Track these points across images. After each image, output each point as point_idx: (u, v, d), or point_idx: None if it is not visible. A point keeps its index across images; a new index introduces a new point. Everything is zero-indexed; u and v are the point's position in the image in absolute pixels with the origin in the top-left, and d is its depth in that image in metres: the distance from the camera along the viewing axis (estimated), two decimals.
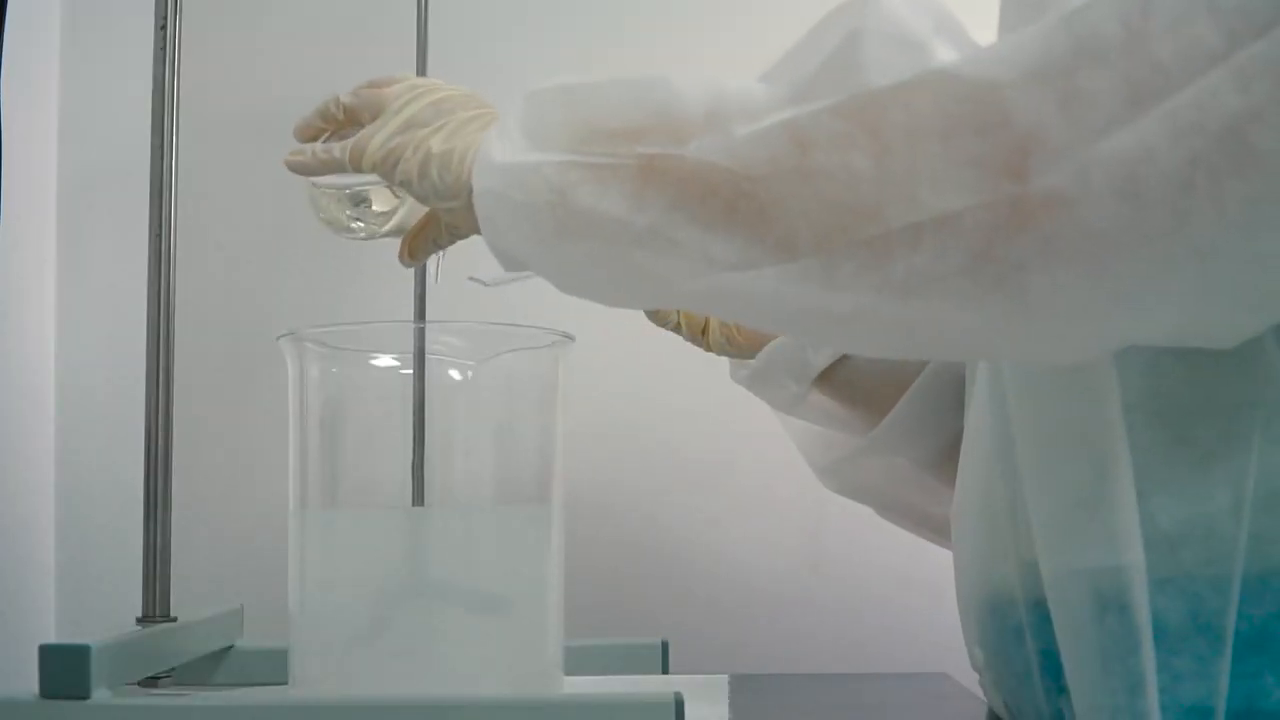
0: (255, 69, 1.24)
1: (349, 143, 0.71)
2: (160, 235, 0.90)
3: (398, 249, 0.77)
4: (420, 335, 0.81)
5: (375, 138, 0.70)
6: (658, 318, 0.95)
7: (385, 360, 0.81)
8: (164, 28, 0.90)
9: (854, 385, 0.94)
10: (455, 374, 0.81)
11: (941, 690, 1.00)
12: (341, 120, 0.74)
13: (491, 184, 0.63)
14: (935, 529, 0.98)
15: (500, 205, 0.62)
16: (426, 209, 0.75)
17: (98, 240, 1.23)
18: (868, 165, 0.52)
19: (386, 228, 0.79)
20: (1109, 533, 0.59)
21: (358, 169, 0.70)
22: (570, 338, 0.82)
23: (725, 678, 0.93)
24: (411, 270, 0.93)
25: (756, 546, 1.20)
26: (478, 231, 0.66)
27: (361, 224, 0.79)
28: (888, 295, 0.53)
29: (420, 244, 0.76)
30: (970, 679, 0.83)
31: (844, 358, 0.94)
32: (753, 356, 0.95)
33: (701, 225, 0.56)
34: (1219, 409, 0.59)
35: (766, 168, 0.54)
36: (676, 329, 0.95)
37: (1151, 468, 0.59)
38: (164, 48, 0.90)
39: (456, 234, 0.72)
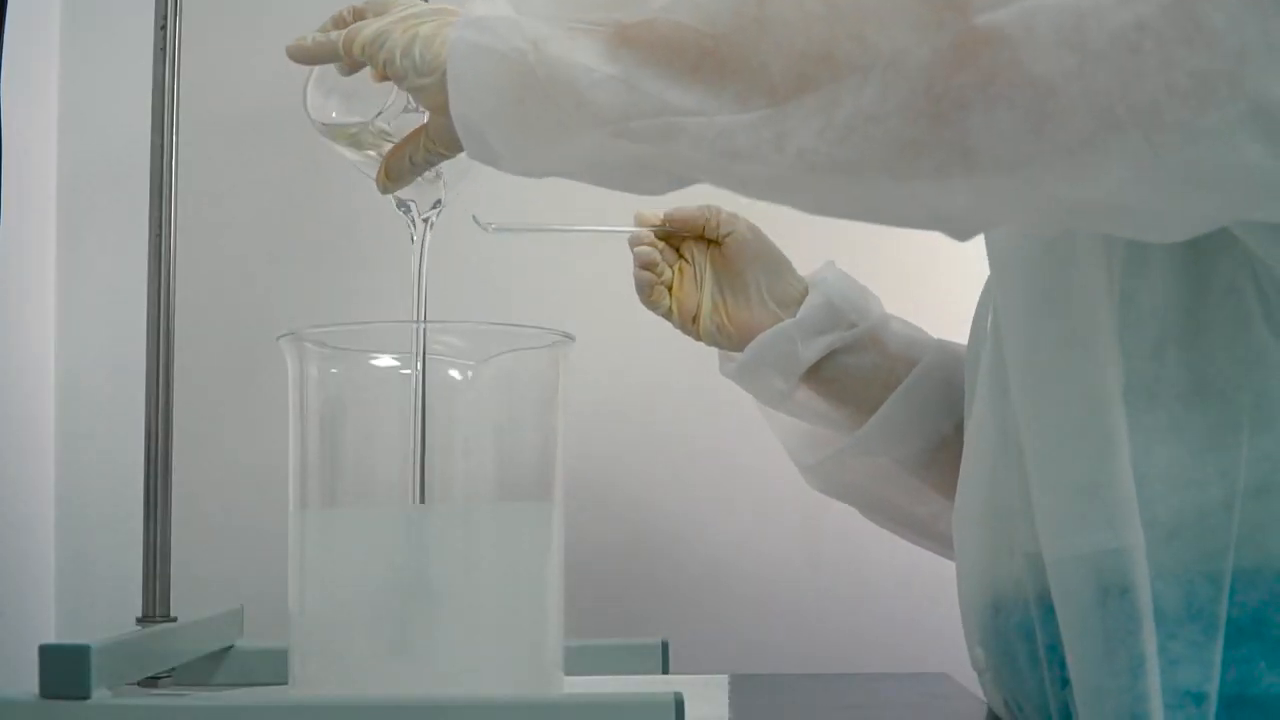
0: (255, 69, 1.23)
1: (344, 31, 0.72)
2: (160, 235, 0.90)
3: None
4: (420, 335, 0.81)
5: (371, 25, 0.71)
6: (651, 299, 0.94)
7: (385, 360, 0.81)
8: (164, 28, 0.91)
9: (842, 383, 0.94)
10: (455, 374, 0.81)
11: (941, 690, 1.00)
12: (349, 23, 0.75)
13: (468, 33, 0.64)
14: (919, 530, 0.98)
15: (471, 55, 0.64)
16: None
17: (98, 240, 1.23)
18: (819, 6, 0.53)
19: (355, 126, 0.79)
20: (1109, 517, 0.60)
21: (349, 53, 0.72)
22: (570, 338, 0.82)
23: (725, 678, 0.93)
24: (411, 270, 0.93)
25: (757, 546, 1.20)
26: (450, 124, 0.66)
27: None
28: (830, 139, 0.54)
29: (396, 162, 0.75)
30: (970, 679, 0.83)
31: (832, 354, 0.94)
32: (741, 348, 0.95)
33: (665, 80, 0.58)
34: (1213, 396, 0.60)
35: (729, 21, 0.56)
36: (668, 314, 0.95)
37: (1151, 454, 0.60)
38: (164, 48, 0.91)
39: (433, 150, 0.73)
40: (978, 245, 0.86)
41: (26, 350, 1.18)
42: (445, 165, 0.78)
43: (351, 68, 0.73)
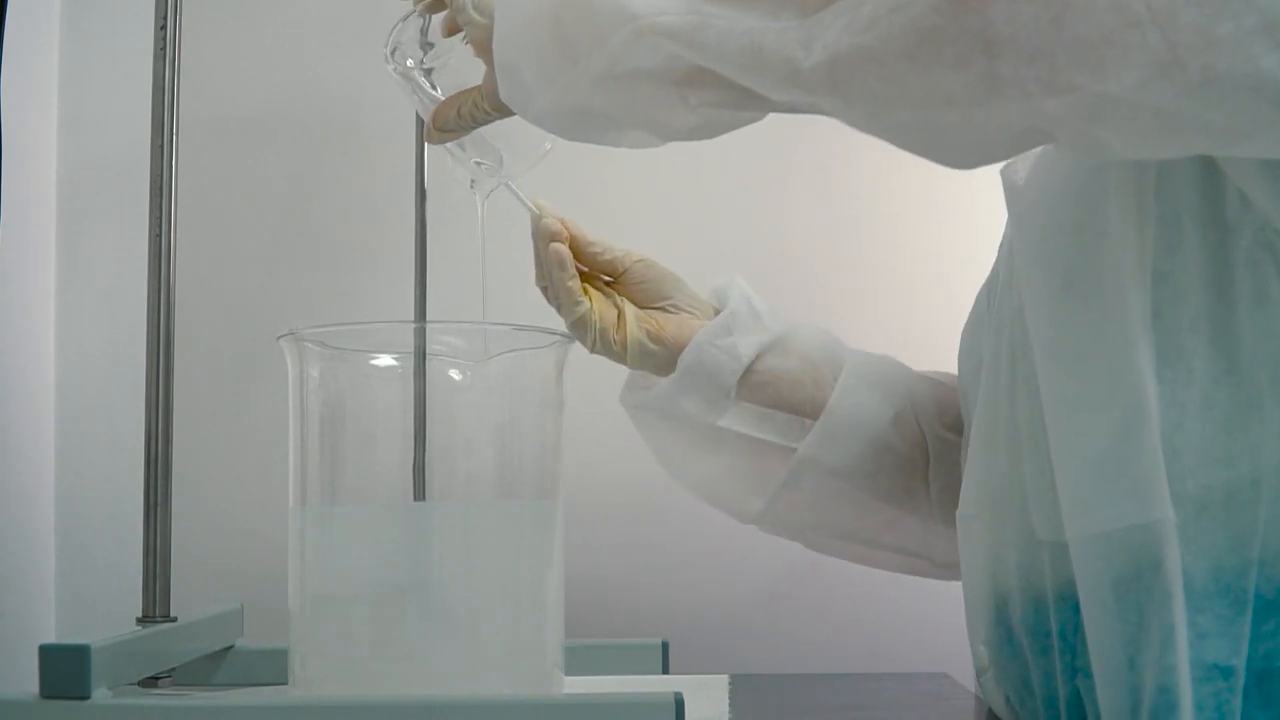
0: (255, 69, 1.24)
1: None
2: (160, 235, 0.90)
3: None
4: (420, 335, 0.81)
5: None
6: (567, 286, 0.89)
7: (385, 360, 0.81)
8: (164, 27, 0.90)
9: (775, 387, 0.92)
10: (455, 374, 0.81)
11: (941, 690, 1.00)
12: None
13: None
14: (868, 543, 0.96)
15: None
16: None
17: (98, 240, 1.23)
18: None
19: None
20: (1140, 492, 0.60)
21: None
22: (570, 338, 0.82)
23: (725, 678, 0.93)
24: (411, 270, 0.93)
25: (756, 546, 1.20)
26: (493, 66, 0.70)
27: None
28: (854, 30, 0.55)
29: (444, 111, 0.78)
30: (970, 678, 0.83)
31: (760, 358, 0.92)
32: (669, 363, 0.92)
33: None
34: (1240, 372, 0.60)
35: None
36: (583, 321, 0.89)
37: (1182, 430, 0.61)
38: (164, 47, 0.90)
39: (480, 104, 0.75)
40: (961, 274, 0.86)
41: (26, 350, 1.18)
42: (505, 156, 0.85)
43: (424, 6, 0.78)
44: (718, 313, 0.93)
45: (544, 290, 0.92)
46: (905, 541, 0.95)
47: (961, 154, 0.58)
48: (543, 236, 0.89)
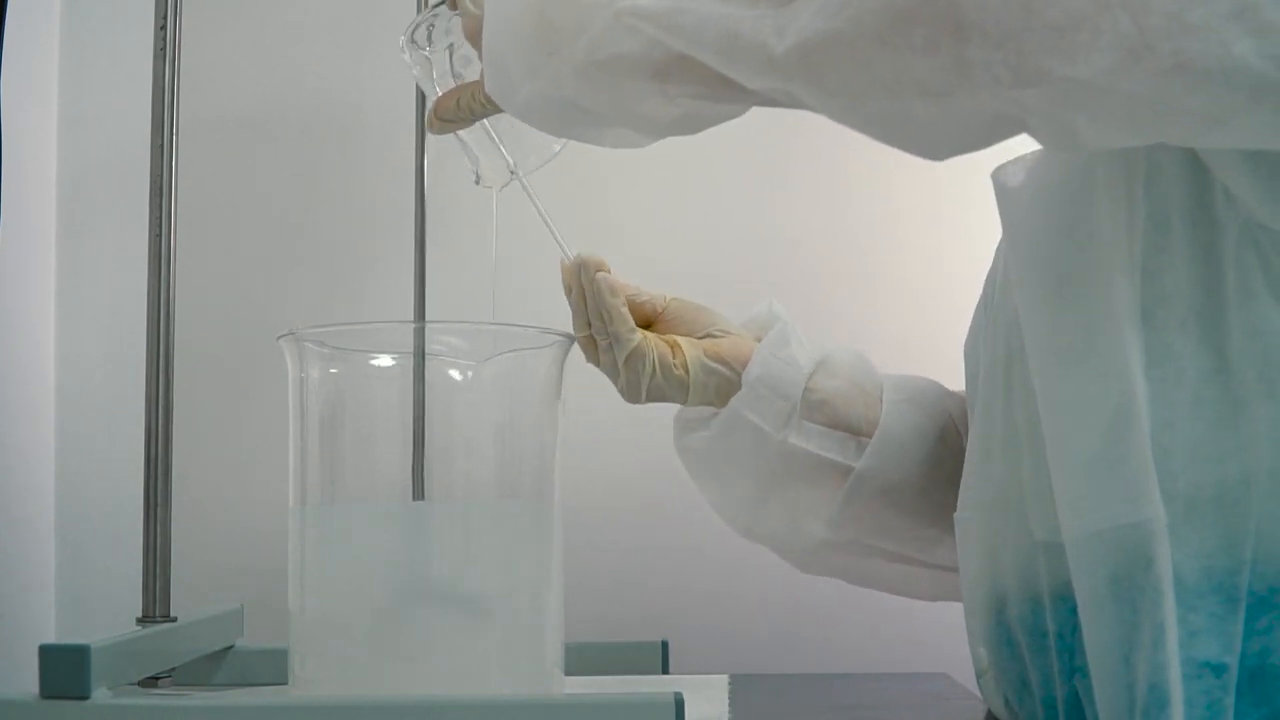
0: (255, 69, 1.24)
1: None
2: (160, 235, 0.90)
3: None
4: (420, 335, 0.81)
5: None
6: (616, 312, 0.87)
7: (385, 360, 0.81)
8: (164, 27, 0.90)
9: (833, 405, 0.91)
10: (455, 374, 0.81)
11: (941, 690, 1.00)
12: None
13: None
14: (911, 562, 0.96)
15: None
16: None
17: (98, 240, 1.23)
18: None
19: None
20: (1130, 491, 0.60)
21: None
22: (570, 338, 0.82)
23: (725, 678, 0.93)
24: (411, 270, 0.93)
25: (756, 546, 1.20)
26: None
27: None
28: (826, 14, 0.55)
29: (444, 101, 0.79)
30: (970, 679, 0.83)
31: (810, 377, 0.92)
32: (733, 384, 0.90)
33: None
34: (1229, 371, 0.60)
35: None
36: (639, 352, 0.87)
37: (1172, 429, 0.61)
38: (164, 47, 0.91)
39: (477, 96, 0.77)
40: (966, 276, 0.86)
41: (26, 350, 1.18)
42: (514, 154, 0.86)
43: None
44: (757, 340, 0.93)
45: (583, 341, 0.88)
46: (946, 560, 0.94)
47: (935, 144, 0.58)
48: (589, 267, 0.87)
